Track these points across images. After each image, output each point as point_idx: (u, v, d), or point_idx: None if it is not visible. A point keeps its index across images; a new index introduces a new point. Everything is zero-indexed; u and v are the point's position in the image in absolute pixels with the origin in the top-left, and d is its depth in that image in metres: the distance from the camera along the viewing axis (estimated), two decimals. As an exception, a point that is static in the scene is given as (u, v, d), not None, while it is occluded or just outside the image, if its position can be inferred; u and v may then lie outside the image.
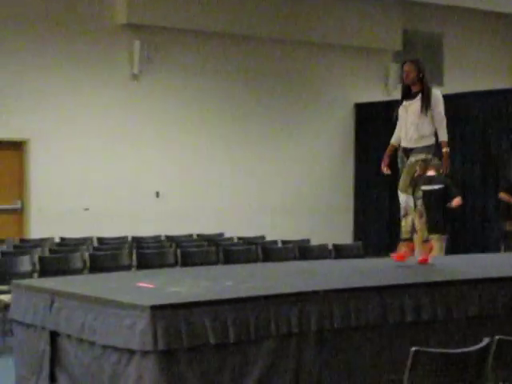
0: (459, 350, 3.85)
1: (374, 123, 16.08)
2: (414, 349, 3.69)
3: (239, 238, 11.51)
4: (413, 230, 6.77)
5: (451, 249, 14.06)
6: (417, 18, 16.61)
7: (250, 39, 14.87)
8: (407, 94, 6.79)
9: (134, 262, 8.59)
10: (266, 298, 4.86)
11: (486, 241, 14.10)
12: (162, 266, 8.25)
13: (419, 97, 6.68)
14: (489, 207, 14.29)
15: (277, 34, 14.99)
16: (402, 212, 6.74)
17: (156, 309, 4.38)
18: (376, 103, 16.08)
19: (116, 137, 13.87)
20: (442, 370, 3.73)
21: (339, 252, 9.69)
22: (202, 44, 14.57)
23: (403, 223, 6.79)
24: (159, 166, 14.13)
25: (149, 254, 8.81)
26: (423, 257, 6.76)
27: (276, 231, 13.12)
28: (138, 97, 14.05)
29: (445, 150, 6.67)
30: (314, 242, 10.96)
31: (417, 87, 6.74)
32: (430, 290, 5.48)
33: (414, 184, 6.64)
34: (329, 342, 5.03)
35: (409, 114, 6.71)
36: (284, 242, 10.63)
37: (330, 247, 9.79)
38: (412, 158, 6.66)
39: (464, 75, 16.96)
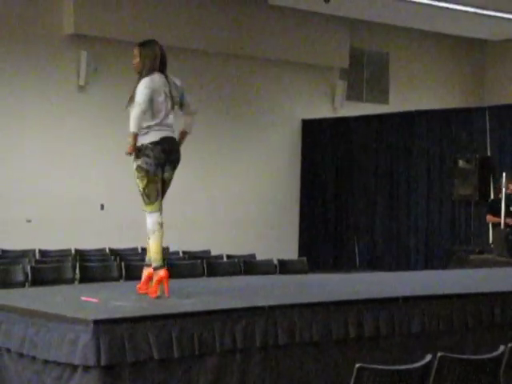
0: (402, 367, 3.89)
1: (320, 140, 16.20)
2: (358, 365, 3.71)
3: (184, 252, 11.44)
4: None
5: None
6: (364, 37, 16.81)
7: (198, 54, 14.86)
8: None
9: (77, 276, 8.47)
10: (211, 313, 4.84)
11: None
12: (105, 279, 8.13)
13: None
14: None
15: (225, 49, 15.02)
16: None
17: (99, 323, 4.33)
18: (323, 120, 16.21)
19: (62, 148, 13.72)
20: (386, 386, 3.76)
21: (284, 267, 9.69)
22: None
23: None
24: (105, 178, 14.00)
25: (92, 267, 8.68)
26: (147, 289, 5.51)
27: (222, 246, 13.09)
28: (84, 108, 13.92)
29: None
30: (260, 257, 10.96)
31: None
32: (372, 307, 5.52)
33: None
34: (273, 358, 5.02)
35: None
36: (229, 257, 10.60)
37: (275, 262, 9.80)
38: (133, 167, 5.58)
39: (409, 94, 17.21)
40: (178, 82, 5.71)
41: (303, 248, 15.97)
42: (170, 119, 5.58)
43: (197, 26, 14.63)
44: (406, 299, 5.78)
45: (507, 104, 14.69)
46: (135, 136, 5.42)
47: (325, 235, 15.95)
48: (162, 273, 5.50)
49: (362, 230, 15.48)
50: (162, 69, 5.63)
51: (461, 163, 13.28)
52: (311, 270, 10.37)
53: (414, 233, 14.68)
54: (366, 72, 17.01)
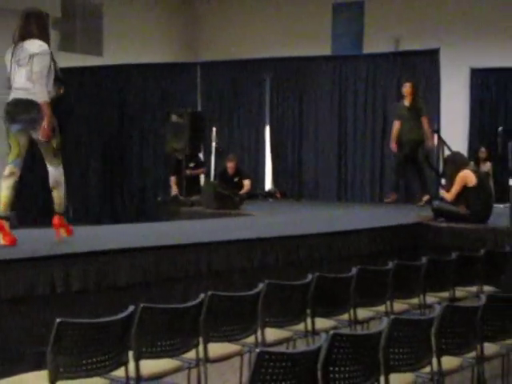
0: (104, 319, 3.90)
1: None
2: (58, 320, 3.66)
3: None
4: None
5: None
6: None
7: None
8: None
9: None
10: None
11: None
12: None
13: None
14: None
15: None
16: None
17: None
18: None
19: None
20: (86, 339, 3.75)
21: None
22: None
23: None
24: None
25: None
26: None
27: None
28: None
29: None
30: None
31: None
32: (79, 261, 5.48)
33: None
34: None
35: None
36: None
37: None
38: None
39: (124, 47, 17.10)
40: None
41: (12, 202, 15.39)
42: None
43: None
44: (115, 252, 5.80)
45: (217, 60, 15.15)
46: None
47: (35, 189, 15.47)
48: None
49: (75, 184, 15.23)
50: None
51: (173, 117, 13.48)
52: (20, 224, 10.07)
53: (128, 186, 14.77)
54: (78, 22, 16.63)
